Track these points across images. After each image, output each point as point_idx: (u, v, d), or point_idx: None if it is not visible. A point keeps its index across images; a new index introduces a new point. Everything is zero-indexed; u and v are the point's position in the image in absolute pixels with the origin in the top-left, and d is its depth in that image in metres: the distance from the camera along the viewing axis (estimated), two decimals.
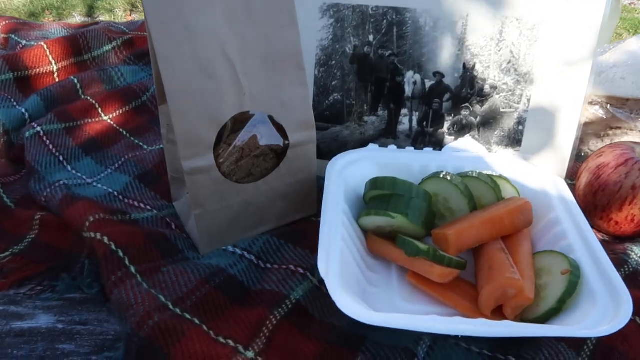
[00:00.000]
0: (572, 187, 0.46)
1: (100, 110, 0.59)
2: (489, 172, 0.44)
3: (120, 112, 0.60)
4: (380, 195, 0.42)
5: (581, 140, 0.52)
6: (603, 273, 0.34)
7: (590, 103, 0.49)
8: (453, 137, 0.48)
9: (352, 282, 0.37)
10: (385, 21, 0.47)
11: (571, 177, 0.48)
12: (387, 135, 0.49)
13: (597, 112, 0.49)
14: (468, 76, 0.46)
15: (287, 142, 0.42)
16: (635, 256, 0.40)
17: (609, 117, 0.49)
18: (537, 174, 0.44)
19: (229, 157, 0.40)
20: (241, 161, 0.41)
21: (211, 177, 0.39)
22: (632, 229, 0.42)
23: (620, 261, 0.40)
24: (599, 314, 0.32)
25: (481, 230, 0.39)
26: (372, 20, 0.47)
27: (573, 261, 0.36)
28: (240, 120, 0.40)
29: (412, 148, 0.47)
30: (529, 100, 0.46)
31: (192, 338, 0.32)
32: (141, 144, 0.56)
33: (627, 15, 2.96)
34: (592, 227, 0.45)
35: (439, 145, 0.48)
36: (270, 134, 0.41)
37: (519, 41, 0.45)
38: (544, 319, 0.35)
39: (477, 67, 0.46)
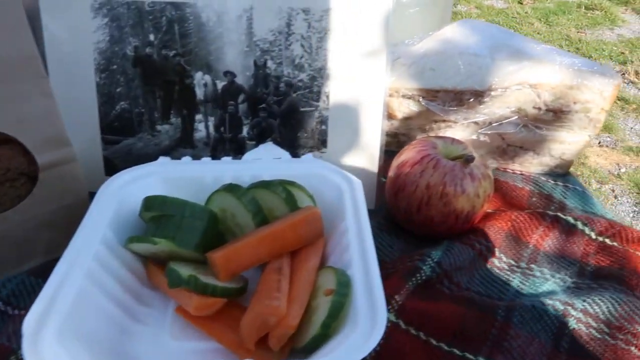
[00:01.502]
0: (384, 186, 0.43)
1: None
2: (286, 179, 0.40)
3: None
4: (154, 216, 0.37)
5: (407, 135, 0.49)
6: (370, 290, 0.31)
7: (404, 96, 0.46)
8: (254, 142, 0.44)
9: (97, 326, 0.32)
10: (164, 18, 0.41)
11: (384, 174, 0.45)
12: (184, 144, 0.44)
13: (410, 106, 0.46)
14: (261, 74, 0.42)
15: (35, 163, 0.36)
16: (431, 262, 0.37)
17: (424, 110, 0.46)
18: (337, 178, 0.40)
19: None
20: None
21: None
22: (436, 230, 0.40)
23: (413, 269, 0.37)
24: (357, 339, 0.29)
25: (259, 249, 0.35)
26: (150, 17, 0.42)
27: (344, 278, 0.32)
28: None
29: (209, 158, 0.42)
30: (328, 97, 0.42)
31: None
32: None
33: (538, 5, 3.08)
34: (405, 229, 0.42)
35: (240, 152, 0.44)
36: (11, 155, 0.36)
37: (309, 34, 0.41)
38: (311, 347, 0.31)
39: (269, 64, 0.42)
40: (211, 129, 0.44)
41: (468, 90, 0.43)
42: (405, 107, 0.46)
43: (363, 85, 0.42)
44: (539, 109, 0.44)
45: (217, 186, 0.41)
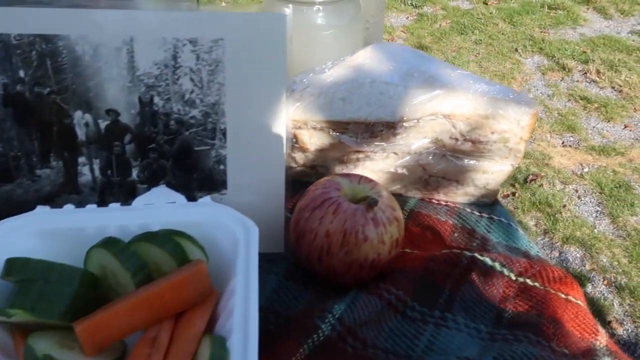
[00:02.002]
0: None
1: None
2: (175, 230, 0.36)
3: None
4: (18, 280, 0.33)
5: (325, 167, 0.46)
6: None
7: (314, 129, 0.42)
8: (146, 186, 0.40)
9: None
10: (34, 52, 0.37)
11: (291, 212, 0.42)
12: (69, 190, 0.40)
13: (322, 138, 0.42)
14: (147, 112, 0.38)
15: None
16: (331, 319, 0.34)
17: (337, 142, 0.43)
18: (235, 224, 0.37)
19: None
20: None
21: None
22: (340, 281, 0.36)
23: (311, 329, 0.33)
24: None
25: (133, 316, 0.31)
26: (19, 51, 0.37)
27: (218, 351, 0.29)
28: None
29: (95, 205, 0.38)
30: (224, 135, 0.39)
31: None
32: None
33: (503, 5, 3.09)
34: (312, 277, 0.39)
35: (131, 196, 0.40)
36: None
37: (198, 67, 0.37)
38: None
39: (156, 100, 0.38)
40: (97, 172, 0.39)
41: (379, 122, 0.40)
42: (316, 139, 0.43)
43: (262, 119, 0.38)
44: (456, 139, 0.41)
45: (100, 238, 0.37)
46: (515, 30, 2.82)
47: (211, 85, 0.38)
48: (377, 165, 0.44)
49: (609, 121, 2.20)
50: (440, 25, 2.89)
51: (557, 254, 1.69)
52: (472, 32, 2.81)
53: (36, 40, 0.37)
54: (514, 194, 1.90)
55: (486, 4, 3.15)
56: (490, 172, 0.43)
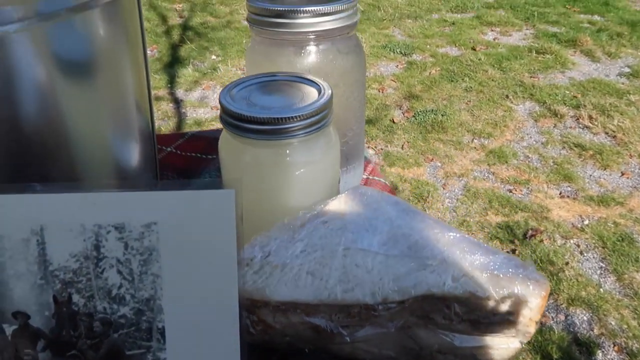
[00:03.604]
0: None
1: None
2: None
3: None
4: None
5: (299, 336, 0.38)
6: None
7: (278, 309, 0.35)
8: None
9: None
10: None
11: None
12: None
13: (290, 317, 0.35)
14: (65, 312, 0.31)
15: None
16: None
17: (307, 323, 0.35)
18: None
19: None
20: None
21: None
22: None
23: None
24: None
25: None
26: None
27: None
28: None
29: None
30: (162, 335, 0.31)
31: None
32: None
33: (491, 51, 3.10)
34: None
35: None
36: None
37: (127, 257, 0.30)
38: None
39: (75, 298, 0.31)
40: None
41: (356, 304, 0.33)
42: (282, 318, 0.35)
43: (209, 313, 0.31)
44: (451, 319, 0.33)
45: None
46: (505, 76, 2.81)
47: (144, 278, 0.30)
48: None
49: (605, 169, 2.15)
50: (430, 73, 2.88)
51: (563, 318, 1.60)
52: (462, 79, 2.80)
53: None
54: (514, 250, 1.83)
55: (474, 49, 3.16)
56: (495, 349, 0.35)
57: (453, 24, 3.59)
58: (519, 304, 0.32)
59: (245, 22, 3.77)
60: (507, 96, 2.63)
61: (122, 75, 0.44)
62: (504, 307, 0.32)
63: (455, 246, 0.34)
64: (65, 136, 0.40)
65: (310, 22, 0.48)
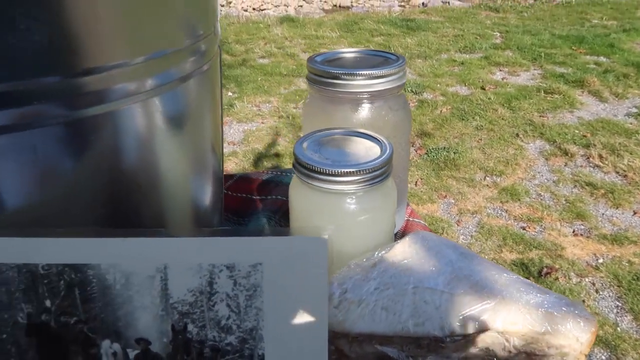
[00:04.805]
0: None
1: None
2: None
3: None
4: None
5: None
6: None
7: (355, 340, 0.40)
8: None
9: None
10: (62, 282, 0.35)
11: None
12: None
13: (365, 348, 0.39)
14: (180, 340, 0.36)
15: None
16: None
17: (380, 353, 0.40)
18: None
19: None
20: None
21: None
22: None
23: None
24: None
25: None
26: (46, 281, 0.35)
27: None
28: None
29: None
30: None
31: None
32: None
33: (500, 90, 3.19)
34: None
35: None
36: None
37: (235, 293, 0.35)
38: None
39: (190, 327, 0.36)
40: None
41: (426, 336, 0.38)
42: (357, 348, 0.40)
43: (302, 342, 0.36)
44: (509, 352, 0.38)
45: None
46: (515, 115, 2.88)
47: (249, 311, 0.35)
48: None
49: (617, 208, 2.19)
50: (441, 111, 2.96)
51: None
52: (473, 117, 2.87)
53: (65, 270, 0.35)
54: None
55: (484, 89, 3.25)
56: None
57: (462, 63, 3.70)
58: (571, 339, 0.37)
59: (261, 60, 3.90)
60: (517, 135, 2.69)
61: (205, 125, 0.50)
62: (558, 340, 0.37)
63: (511, 286, 0.39)
64: (158, 181, 0.45)
65: (366, 83, 0.54)
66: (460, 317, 0.37)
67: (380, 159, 0.46)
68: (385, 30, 4.57)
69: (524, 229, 2.06)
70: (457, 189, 2.31)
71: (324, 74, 0.55)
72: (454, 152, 2.52)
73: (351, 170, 0.44)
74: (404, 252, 0.42)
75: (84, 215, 0.41)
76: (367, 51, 0.62)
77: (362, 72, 0.54)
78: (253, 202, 0.72)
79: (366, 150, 0.48)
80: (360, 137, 0.50)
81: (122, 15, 0.36)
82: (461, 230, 2.09)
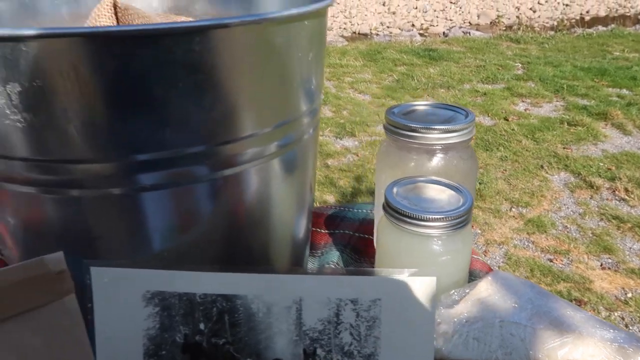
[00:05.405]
0: None
1: None
2: None
3: None
4: None
5: None
6: None
7: None
8: None
9: None
10: (215, 309, 0.42)
11: None
12: None
13: None
14: None
15: None
16: None
17: None
18: None
19: None
20: None
21: None
22: None
23: None
24: None
25: None
26: (201, 308, 0.43)
27: None
28: None
29: None
30: None
31: None
32: None
33: (523, 121, 3.25)
34: None
35: None
36: None
37: (358, 323, 0.42)
38: None
39: (319, 351, 0.43)
40: None
41: None
42: None
43: None
44: None
45: None
46: (539, 147, 2.93)
47: (368, 339, 0.42)
48: None
49: None
50: None
51: None
52: (497, 148, 2.92)
53: (218, 299, 0.42)
54: None
55: (507, 119, 3.30)
56: None
57: (484, 94, 3.77)
58: None
59: None
60: (542, 166, 2.74)
61: (309, 170, 0.57)
62: None
63: (587, 322, 0.45)
64: (270, 222, 0.53)
65: (439, 137, 0.62)
66: (544, 350, 0.44)
67: (464, 207, 0.53)
68: (407, 60, 4.68)
69: (551, 260, 2.09)
70: (483, 219, 2.35)
71: (402, 127, 0.63)
72: (480, 183, 2.57)
73: (439, 216, 0.51)
74: (487, 289, 0.49)
75: (214, 252, 0.48)
76: (437, 104, 0.70)
77: (437, 127, 0.61)
78: (323, 236, 0.79)
79: (448, 198, 0.55)
80: (439, 185, 0.58)
81: (256, 98, 0.44)
82: (489, 261, 2.12)
